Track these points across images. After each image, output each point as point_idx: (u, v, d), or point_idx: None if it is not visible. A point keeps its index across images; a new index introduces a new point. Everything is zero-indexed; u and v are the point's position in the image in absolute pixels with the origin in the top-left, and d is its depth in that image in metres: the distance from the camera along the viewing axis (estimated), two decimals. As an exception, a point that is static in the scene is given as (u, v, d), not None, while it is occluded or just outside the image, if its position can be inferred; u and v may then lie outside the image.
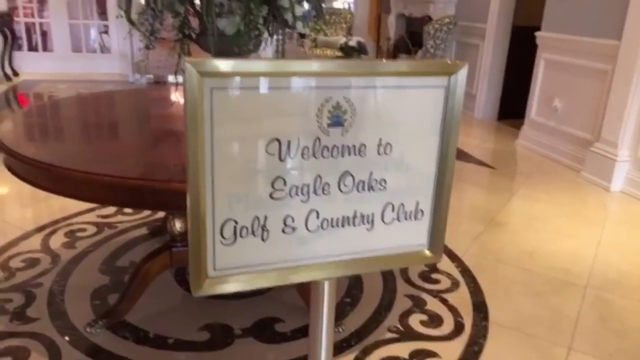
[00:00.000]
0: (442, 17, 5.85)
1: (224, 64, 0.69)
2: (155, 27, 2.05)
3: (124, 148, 1.93)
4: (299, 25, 1.98)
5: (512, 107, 5.34)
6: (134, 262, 2.25)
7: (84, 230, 2.62)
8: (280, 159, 0.76)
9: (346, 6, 8.55)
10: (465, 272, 2.39)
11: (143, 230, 2.63)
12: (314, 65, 0.75)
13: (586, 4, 4.01)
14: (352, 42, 6.72)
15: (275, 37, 2.14)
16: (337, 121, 0.77)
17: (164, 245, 2.00)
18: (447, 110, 0.82)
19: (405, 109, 0.82)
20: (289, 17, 1.96)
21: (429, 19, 6.09)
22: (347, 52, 6.67)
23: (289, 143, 0.76)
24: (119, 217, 2.76)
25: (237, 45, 2.06)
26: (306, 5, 2.04)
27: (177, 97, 2.75)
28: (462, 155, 4.21)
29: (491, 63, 5.50)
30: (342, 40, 6.90)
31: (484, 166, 4.13)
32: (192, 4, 2.03)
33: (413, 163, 0.85)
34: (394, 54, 6.76)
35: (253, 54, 2.15)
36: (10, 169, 1.66)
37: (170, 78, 6.60)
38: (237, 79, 0.70)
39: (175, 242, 1.96)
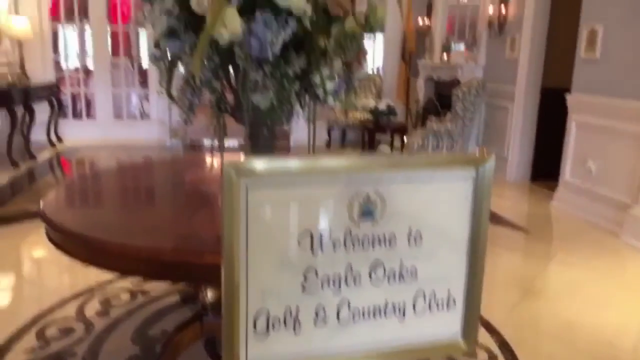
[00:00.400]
0: (470, 80, 5.94)
1: (259, 165, 0.72)
2: (194, 102, 2.15)
3: (161, 219, 1.97)
4: (330, 100, 2.05)
5: (545, 168, 5.27)
6: (166, 331, 2.25)
7: (117, 297, 2.66)
8: (312, 251, 0.78)
9: (375, 71, 8.78)
10: (504, 345, 2.30)
11: (175, 297, 2.65)
12: (344, 162, 0.78)
13: (616, 65, 4.02)
14: (382, 106, 6.83)
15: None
16: (367, 213, 0.79)
17: (194, 315, 2.00)
18: (476, 200, 0.83)
19: (434, 200, 0.83)
20: (320, 92, 2.04)
21: (458, 82, 6.18)
22: (377, 115, 6.78)
23: (320, 236, 0.77)
24: (152, 285, 2.79)
25: (270, 118, 2.14)
26: (337, 78, 2.11)
27: (212, 162, 2.83)
28: (495, 218, 4.14)
29: (522, 125, 5.50)
30: (371, 103, 7.04)
31: (518, 230, 4.04)
32: (229, 81, 2.14)
33: (443, 251, 0.85)
34: (423, 117, 6.84)
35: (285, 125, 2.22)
36: (49, 238, 1.73)
37: (206, 142, 6.84)
38: (271, 177, 0.73)
39: (206, 311, 1.96)
